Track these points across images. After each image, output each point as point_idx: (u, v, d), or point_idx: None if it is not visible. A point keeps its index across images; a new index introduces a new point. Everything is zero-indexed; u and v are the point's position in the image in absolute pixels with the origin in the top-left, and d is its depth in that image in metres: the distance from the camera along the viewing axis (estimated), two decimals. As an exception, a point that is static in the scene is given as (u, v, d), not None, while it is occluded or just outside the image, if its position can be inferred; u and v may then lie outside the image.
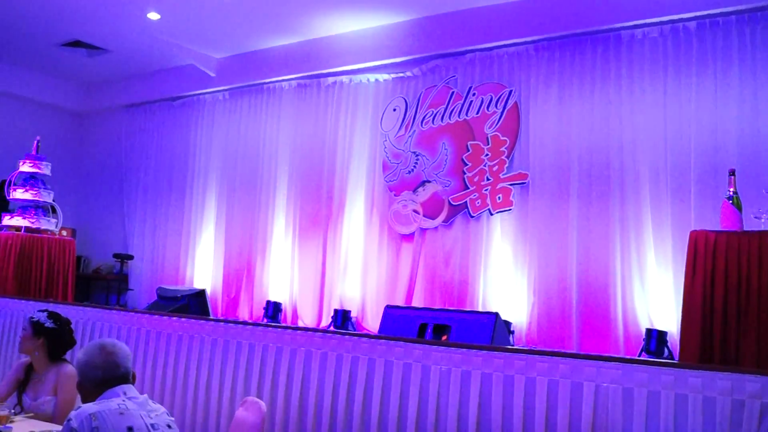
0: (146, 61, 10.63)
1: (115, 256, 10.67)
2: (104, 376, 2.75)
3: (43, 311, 4.13)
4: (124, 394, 2.75)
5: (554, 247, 7.23)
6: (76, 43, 10.06)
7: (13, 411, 3.74)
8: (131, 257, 10.77)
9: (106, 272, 11.18)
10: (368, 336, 4.03)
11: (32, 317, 4.07)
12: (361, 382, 3.85)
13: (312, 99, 9.38)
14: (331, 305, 8.63)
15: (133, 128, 11.53)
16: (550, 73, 7.53)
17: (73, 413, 2.53)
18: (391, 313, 6.09)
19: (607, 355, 4.85)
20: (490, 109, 7.84)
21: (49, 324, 4.04)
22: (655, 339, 6.28)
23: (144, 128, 11.39)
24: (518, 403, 3.43)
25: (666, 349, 6.25)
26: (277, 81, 9.70)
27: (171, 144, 10.96)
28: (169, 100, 11.04)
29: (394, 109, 8.58)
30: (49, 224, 7.99)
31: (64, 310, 4.89)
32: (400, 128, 8.50)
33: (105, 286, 11.14)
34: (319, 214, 9.04)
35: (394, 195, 8.44)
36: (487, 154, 7.78)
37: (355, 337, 3.99)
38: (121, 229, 11.41)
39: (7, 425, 3.38)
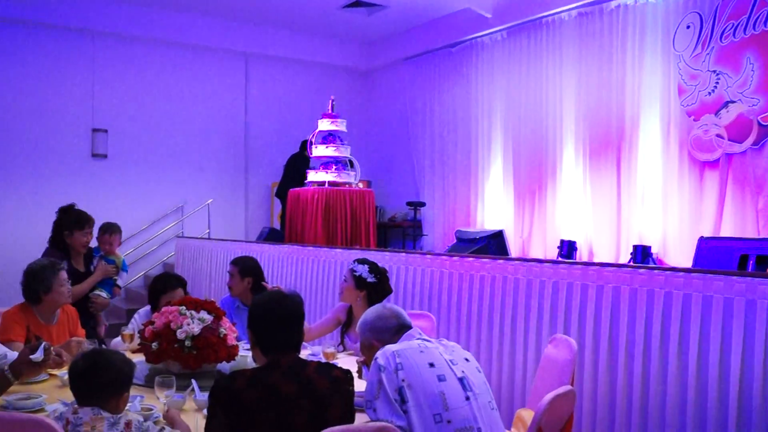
0: (422, 12, 10.81)
1: (408, 204, 11.11)
2: (398, 323, 2.88)
3: (362, 262, 4.30)
4: (420, 334, 2.84)
5: None
6: (356, 4, 10.50)
7: (336, 349, 4.03)
8: (423, 204, 11.15)
9: (401, 220, 11.72)
10: (682, 270, 3.74)
11: (354, 271, 4.25)
12: (675, 319, 3.60)
13: (595, 27, 8.90)
14: (629, 241, 8.26)
15: (415, 79, 11.86)
16: None
17: (379, 353, 2.65)
18: (705, 245, 5.67)
19: None
20: (803, 12, 6.89)
21: (370, 279, 4.22)
22: None
23: (425, 78, 11.65)
24: None
25: None
26: (555, 13, 9.34)
27: (452, 90, 11.11)
28: (448, 48, 11.15)
29: (688, 27, 7.86)
30: (348, 177, 8.49)
31: (371, 256, 5.15)
32: (695, 47, 7.78)
33: (400, 233, 11.69)
34: (609, 147, 8.65)
35: (693, 120, 7.78)
36: (802, 64, 6.87)
37: (667, 272, 3.72)
38: (412, 178, 11.87)
39: (334, 361, 3.64)
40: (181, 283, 4.48)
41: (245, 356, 3.77)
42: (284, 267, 7.04)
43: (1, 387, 2.84)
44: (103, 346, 4.33)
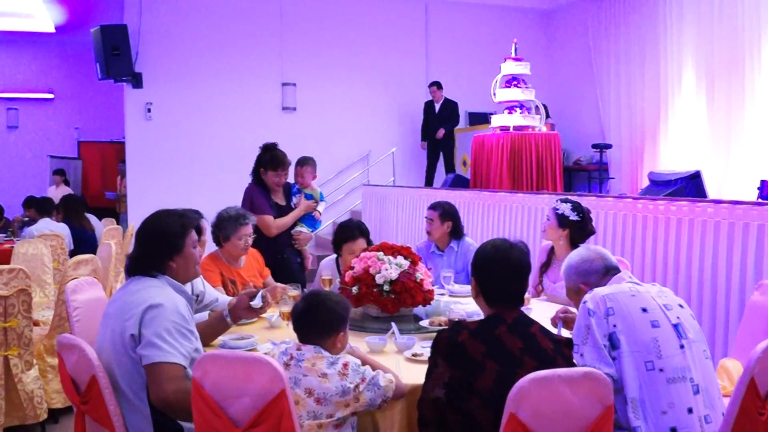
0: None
1: (594, 146, 10.77)
2: (604, 265, 2.78)
3: (565, 201, 4.27)
4: (630, 278, 2.74)
5: None
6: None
7: (531, 291, 4.03)
8: (609, 146, 10.77)
9: (586, 163, 11.40)
10: None
11: (556, 209, 4.22)
12: None
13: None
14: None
15: (599, 16, 11.38)
16: None
17: (588, 296, 2.58)
18: None
19: None
20: None
21: (573, 216, 4.17)
22: None
23: (610, 14, 11.15)
24: None
25: None
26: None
27: (639, 25, 10.56)
28: (634, -20, 10.61)
29: None
30: (534, 120, 8.35)
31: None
32: None
33: (586, 176, 11.38)
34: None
35: None
36: None
37: None
38: (597, 120, 11.47)
39: (527, 307, 3.64)
40: (363, 232, 4.49)
41: (439, 301, 3.89)
42: (470, 213, 7.10)
43: (221, 329, 3.12)
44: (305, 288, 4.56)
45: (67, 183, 12.78)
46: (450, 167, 10.81)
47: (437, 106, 10.93)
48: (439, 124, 10.75)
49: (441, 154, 10.86)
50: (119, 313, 2.56)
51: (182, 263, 2.73)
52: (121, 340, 2.51)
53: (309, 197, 5.08)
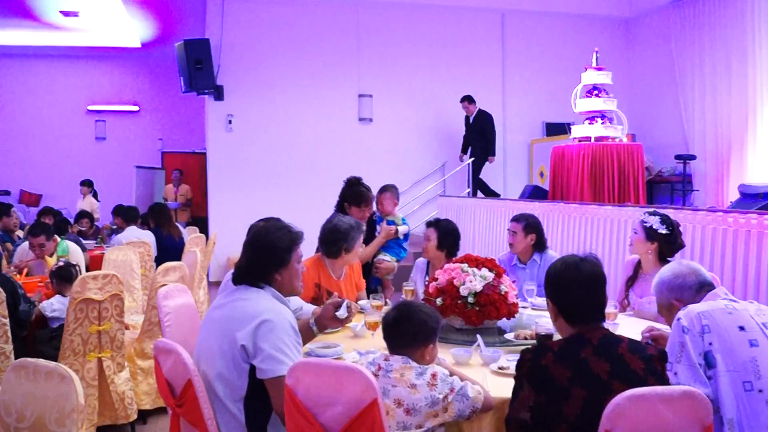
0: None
1: (677, 157, 10.48)
2: (698, 280, 2.71)
3: (653, 213, 4.16)
4: (726, 295, 2.66)
5: None
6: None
7: (617, 306, 3.94)
8: (693, 157, 10.47)
9: (669, 174, 11.11)
10: None
11: (644, 222, 4.11)
12: None
13: None
14: None
15: (682, 23, 11.09)
16: None
17: (681, 313, 2.51)
18: None
19: None
20: None
21: (662, 229, 4.06)
22: None
23: (694, 20, 10.84)
24: None
25: None
26: None
27: (725, 30, 10.24)
28: (720, -13, 10.30)
29: None
30: (615, 131, 8.19)
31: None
32: None
33: (668, 188, 11.09)
34: None
35: None
36: None
37: None
38: (680, 130, 11.17)
39: (614, 322, 3.56)
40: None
41: (522, 313, 3.84)
42: (550, 225, 6.99)
43: (307, 338, 3.16)
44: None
45: (94, 194, 12.84)
46: (479, 183, 10.92)
47: (471, 120, 10.97)
48: (473, 136, 10.88)
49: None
50: (228, 320, 2.62)
51: (287, 277, 2.78)
52: (230, 348, 2.56)
53: (391, 224, 5.08)
